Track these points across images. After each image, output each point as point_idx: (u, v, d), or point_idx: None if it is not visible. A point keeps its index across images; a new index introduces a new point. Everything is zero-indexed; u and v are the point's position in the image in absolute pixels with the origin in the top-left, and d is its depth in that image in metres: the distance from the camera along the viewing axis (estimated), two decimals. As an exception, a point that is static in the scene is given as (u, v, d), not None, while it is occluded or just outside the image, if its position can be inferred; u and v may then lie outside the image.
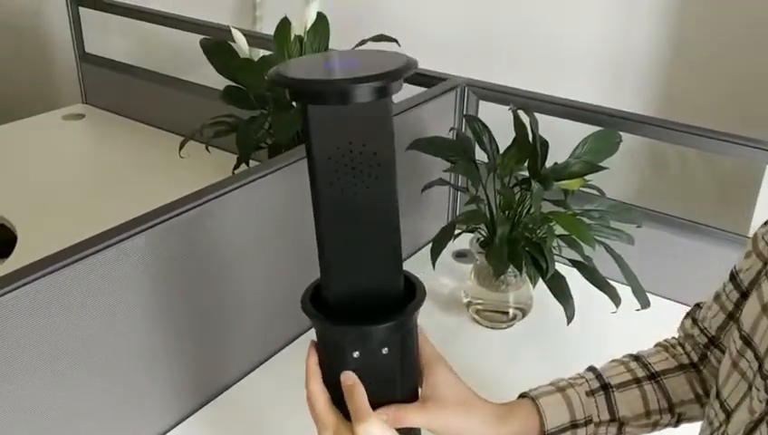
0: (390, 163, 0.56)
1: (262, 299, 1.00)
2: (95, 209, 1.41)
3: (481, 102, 1.28)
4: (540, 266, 1.00)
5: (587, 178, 1.03)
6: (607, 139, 1.07)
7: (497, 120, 1.11)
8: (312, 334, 0.64)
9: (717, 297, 0.68)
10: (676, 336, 0.76)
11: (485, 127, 1.10)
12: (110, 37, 2.00)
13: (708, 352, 0.70)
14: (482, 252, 1.07)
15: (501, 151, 1.08)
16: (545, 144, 1.03)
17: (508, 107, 1.04)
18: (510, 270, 1.05)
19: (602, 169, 1.03)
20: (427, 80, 1.27)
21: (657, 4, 1.31)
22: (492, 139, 1.09)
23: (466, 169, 1.06)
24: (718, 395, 0.60)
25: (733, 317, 0.66)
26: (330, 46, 1.31)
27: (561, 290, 0.99)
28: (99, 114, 1.88)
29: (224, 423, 0.93)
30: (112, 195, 1.48)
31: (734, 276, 0.66)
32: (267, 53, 1.42)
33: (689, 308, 0.75)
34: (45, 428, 0.77)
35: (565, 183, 1.02)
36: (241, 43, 1.33)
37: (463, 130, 1.26)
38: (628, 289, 0.98)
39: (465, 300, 1.14)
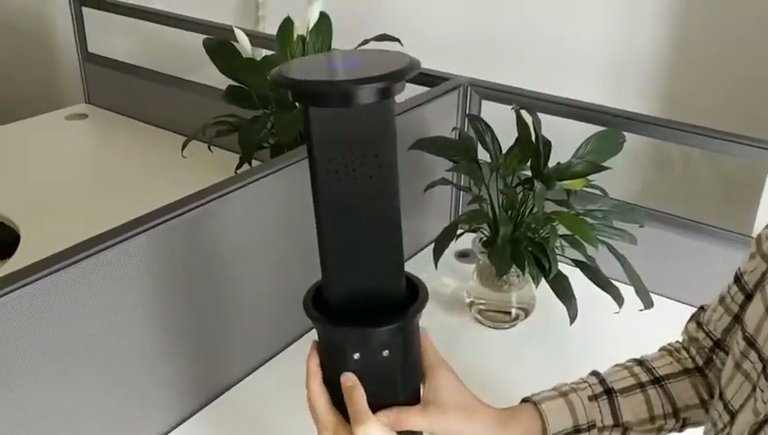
0: (392, 165, 0.56)
1: (263, 299, 1.00)
2: (98, 209, 1.41)
3: (484, 102, 1.28)
4: (543, 266, 0.99)
5: (590, 177, 1.03)
6: (610, 138, 1.07)
7: (500, 120, 1.11)
8: (313, 335, 0.64)
9: (722, 299, 0.68)
10: (680, 340, 0.75)
11: (488, 127, 1.09)
12: (113, 37, 2.00)
13: (714, 356, 0.69)
14: (484, 252, 1.07)
15: (504, 151, 1.08)
16: (548, 144, 1.02)
17: (511, 107, 1.04)
18: (513, 270, 1.05)
19: (605, 168, 1.02)
20: (429, 79, 1.27)
21: (660, 4, 1.31)
22: (494, 138, 1.09)
23: (469, 168, 1.06)
24: (721, 396, 0.59)
25: (738, 319, 0.65)
26: (332, 46, 1.31)
27: (563, 290, 0.99)
28: (102, 114, 1.89)
29: (225, 423, 0.93)
30: (115, 194, 1.48)
31: (738, 278, 0.66)
32: (270, 52, 1.42)
33: (693, 308, 0.75)
34: (46, 428, 0.77)
35: (568, 183, 1.02)
36: (244, 42, 1.33)
37: (465, 129, 1.26)
38: (632, 289, 0.98)
39: (468, 300, 1.14)
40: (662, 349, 0.75)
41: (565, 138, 1.07)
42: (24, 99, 2.34)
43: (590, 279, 0.99)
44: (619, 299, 0.97)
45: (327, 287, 0.60)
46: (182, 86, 1.71)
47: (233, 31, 1.33)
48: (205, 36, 1.36)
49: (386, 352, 0.60)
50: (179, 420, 0.93)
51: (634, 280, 0.98)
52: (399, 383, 0.63)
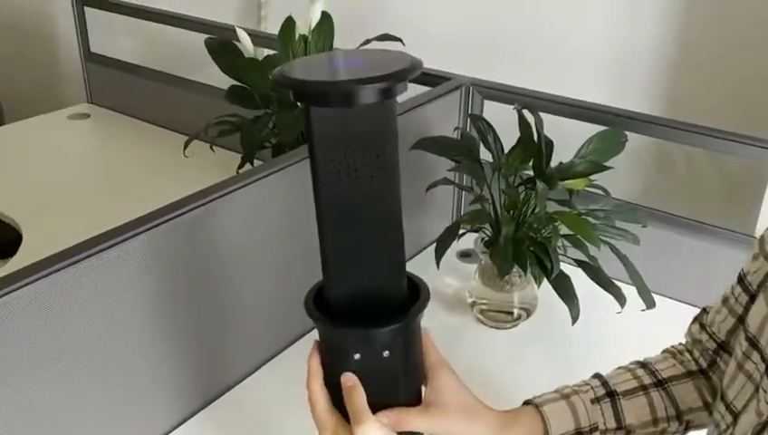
0: (394, 165, 0.56)
1: (265, 299, 1.00)
2: (100, 209, 1.41)
3: (486, 102, 1.27)
4: (545, 266, 0.99)
5: (592, 177, 1.03)
6: (612, 138, 1.07)
7: (502, 120, 1.11)
8: (315, 334, 0.64)
9: (726, 301, 0.67)
10: (683, 342, 0.75)
11: (490, 126, 1.09)
12: (116, 37, 2.00)
13: (718, 358, 0.69)
14: (486, 252, 1.07)
15: (506, 151, 1.08)
16: (550, 144, 1.02)
17: (513, 106, 1.04)
18: (514, 270, 1.05)
19: (608, 168, 1.02)
20: (431, 79, 1.26)
21: (662, 4, 1.30)
22: (496, 138, 1.09)
23: (471, 168, 1.06)
24: (723, 397, 0.59)
25: (743, 321, 0.65)
26: (334, 45, 1.31)
27: (565, 290, 0.99)
28: (104, 114, 1.89)
29: (226, 423, 0.93)
30: (117, 194, 1.48)
31: (741, 279, 0.65)
32: (272, 52, 1.42)
33: (695, 309, 0.75)
34: (46, 429, 0.77)
35: (570, 183, 1.01)
36: (246, 42, 1.33)
37: (467, 129, 1.26)
38: (634, 289, 0.98)
39: (470, 300, 1.14)
40: (665, 351, 0.75)
41: (567, 137, 1.07)
42: (27, 98, 2.35)
43: (592, 279, 0.99)
44: (621, 299, 0.97)
45: (328, 287, 0.60)
46: (184, 86, 1.71)
47: (235, 31, 1.33)
48: (207, 36, 1.36)
49: (387, 353, 0.60)
50: (180, 420, 0.93)
51: (636, 280, 0.98)
52: (400, 384, 0.63)
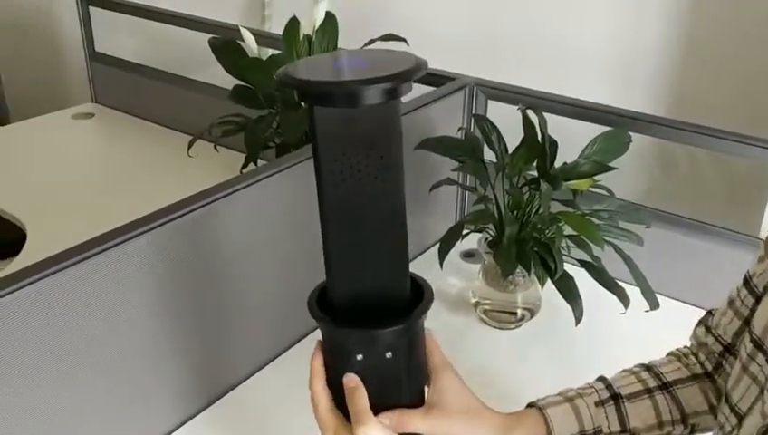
0: (398, 165, 0.56)
1: (268, 299, 1.00)
2: (104, 208, 1.42)
3: (490, 102, 1.27)
4: (548, 267, 0.99)
5: (596, 178, 1.02)
6: (616, 139, 1.07)
7: (506, 120, 1.10)
8: (318, 334, 0.64)
9: (731, 303, 0.67)
10: (689, 345, 0.75)
11: (494, 126, 1.09)
12: (120, 36, 2.00)
13: (723, 361, 0.68)
14: (490, 252, 1.07)
15: (510, 151, 1.07)
16: (554, 144, 1.02)
17: (517, 107, 1.04)
18: (518, 270, 1.05)
19: (612, 169, 1.02)
20: (435, 79, 1.26)
21: (666, 2, 1.30)
22: (500, 138, 1.09)
23: (475, 168, 1.06)
24: (728, 399, 0.59)
25: (749, 323, 0.65)
26: (338, 45, 1.31)
27: (569, 291, 0.98)
28: (108, 113, 1.89)
29: (229, 423, 0.93)
30: (121, 194, 1.48)
31: (747, 281, 0.65)
32: (276, 52, 1.42)
33: (699, 310, 0.75)
34: (48, 428, 0.77)
35: (574, 183, 1.01)
36: (250, 42, 1.33)
37: (471, 129, 1.26)
38: (637, 290, 0.98)
39: (473, 300, 1.14)
40: (670, 354, 0.75)
41: (571, 138, 1.07)
42: (31, 98, 2.35)
43: (595, 280, 0.99)
44: (624, 300, 0.97)
45: (331, 288, 0.60)
46: (188, 85, 1.71)
47: (239, 30, 1.33)
48: (211, 36, 1.36)
49: (389, 354, 0.60)
50: (184, 420, 0.93)
51: (640, 281, 0.98)
52: (403, 385, 0.62)
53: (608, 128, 1.10)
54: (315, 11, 1.28)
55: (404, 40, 1.23)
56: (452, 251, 1.03)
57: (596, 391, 0.69)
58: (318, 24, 1.28)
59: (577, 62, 1.42)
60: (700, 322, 0.73)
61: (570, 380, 0.73)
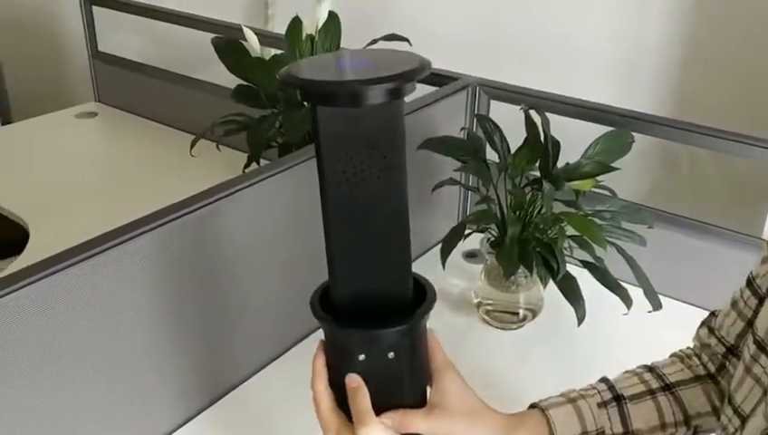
0: (401, 165, 0.56)
1: (270, 298, 1.00)
2: (107, 207, 1.42)
3: (492, 102, 1.27)
4: (551, 267, 0.99)
5: (599, 178, 1.02)
6: (619, 139, 1.07)
7: (508, 120, 1.10)
8: (320, 334, 0.64)
9: (735, 304, 0.67)
10: (692, 346, 0.75)
11: (497, 127, 1.09)
12: (123, 36, 2.00)
13: (727, 362, 0.68)
14: (492, 252, 1.07)
15: (512, 151, 1.07)
16: (557, 144, 1.02)
17: (519, 107, 1.04)
18: (520, 271, 1.05)
19: (614, 169, 1.02)
20: (438, 79, 1.26)
21: (668, 2, 1.30)
22: (503, 138, 1.08)
23: (477, 168, 1.06)
24: (731, 401, 0.59)
25: (752, 324, 0.64)
26: (341, 45, 1.31)
27: (571, 291, 0.98)
28: (111, 112, 1.89)
29: (231, 422, 0.93)
30: (124, 193, 1.48)
31: (750, 282, 0.65)
32: (279, 51, 1.42)
33: (701, 310, 0.74)
34: (49, 428, 0.77)
35: (577, 183, 1.01)
36: (252, 41, 1.33)
37: (474, 129, 1.26)
38: (640, 291, 0.98)
39: (476, 300, 1.14)
40: (673, 355, 0.75)
41: (573, 138, 1.07)
42: (34, 97, 2.35)
43: (598, 280, 0.99)
44: (627, 301, 0.97)
45: (334, 287, 0.60)
46: (191, 85, 1.71)
47: (242, 30, 1.33)
48: (214, 35, 1.36)
49: (392, 354, 0.60)
50: (185, 419, 0.93)
51: (642, 282, 0.98)
52: (405, 385, 0.62)
53: (610, 128, 1.10)
54: (318, 11, 1.28)
55: (407, 40, 1.23)
56: (454, 251, 1.03)
57: (599, 392, 0.69)
58: (321, 24, 1.28)
59: (579, 62, 1.42)
60: (703, 323, 0.73)
61: (572, 380, 0.73)
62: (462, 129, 1.25)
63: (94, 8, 1.84)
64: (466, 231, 1.05)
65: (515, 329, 1.11)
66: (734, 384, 0.59)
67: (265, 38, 1.42)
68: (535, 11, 1.45)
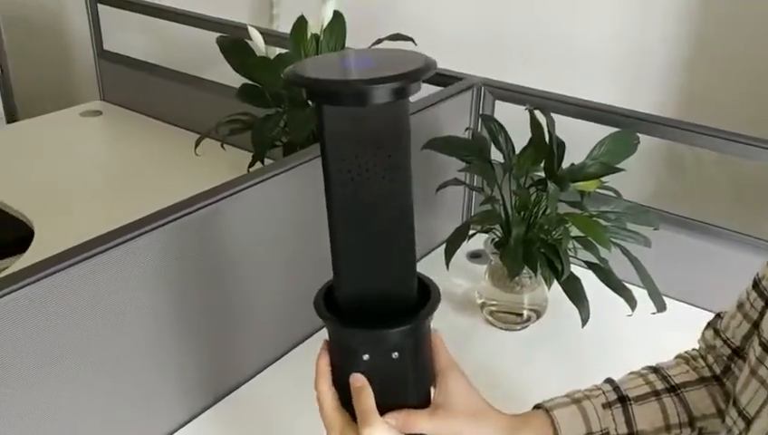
0: (406, 165, 0.56)
1: (274, 298, 1.00)
2: (111, 206, 1.42)
3: (497, 102, 1.27)
4: (555, 268, 0.99)
5: (603, 179, 1.02)
6: (624, 140, 1.06)
7: (513, 121, 1.10)
8: (324, 334, 0.64)
9: (741, 306, 0.67)
10: (697, 348, 0.74)
11: (501, 127, 1.09)
12: (128, 34, 2.01)
13: (732, 364, 0.68)
14: (496, 253, 1.07)
15: (517, 152, 1.07)
16: (562, 145, 1.02)
17: (524, 107, 1.04)
18: (525, 271, 1.05)
19: (619, 170, 1.02)
20: (443, 79, 1.26)
21: (674, 0, 1.29)
22: (508, 139, 1.08)
23: (482, 169, 1.06)
24: (735, 402, 0.59)
25: (758, 326, 0.64)
26: (346, 45, 1.31)
27: (576, 292, 0.98)
28: (116, 111, 1.90)
29: (234, 422, 0.94)
30: (128, 191, 1.48)
31: (756, 284, 0.65)
32: (284, 51, 1.42)
33: (706, 312, 0.74)
34: (50, 428, 0.77)
35: (582, 184, 1.01)
36: (257, 41, 1.33)
37: (479, 129, 1.26)
38: (644, 292, 0.97)
39: (479, 301, 1.14)
40: (678, 356, 0.74)
41: (579, 138, 1.07)
42: (40, 95, 2.36)
43: (602, 281, 0.99)
44: (631, 302, 0.96)
45: (338, 287, 0.60)
46: (196, 84, 1.71)
47: (247, 29, 1.34)
48: (219, 34, 1.36)
49: (396, 354, 0.60)
50: (188, 418, 0.93)
51: (647, 283, 0.98)
52: (409, 385, 0.62)
53: (615, 129, 1.10)
54: (323, 10, 1.28)
55: (411, 39, 1.22)
56: (458, 252, 1.02)
57: (603, 392, 0.69)
58: (326, 24, 1.28)
59: (584, 62, 1.42)
60: (709, 324, 0.73)
61: (576, 381, 0.73)
62: (466, 129, 1.25)
63: (100, 7, 1.84)
64: (471, 231, 1.04)
65: (519, 330, 1.11)
66: (739, 386, 0.59)
67: (270, 37, 1.42)
68: (540, 11, 1.45)
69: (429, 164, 1.15)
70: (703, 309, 1.12)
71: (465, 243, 1.03)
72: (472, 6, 1.52)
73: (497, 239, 1.09)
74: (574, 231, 0.98)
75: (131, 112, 1.87)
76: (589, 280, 0.99)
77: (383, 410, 0.60)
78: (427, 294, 0.62)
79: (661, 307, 0.97)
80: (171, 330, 0.86)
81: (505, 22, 1.49)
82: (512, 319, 1.11)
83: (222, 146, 1.33)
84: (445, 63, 1.17)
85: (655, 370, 0.72)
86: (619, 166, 1.02)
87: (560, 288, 0.99)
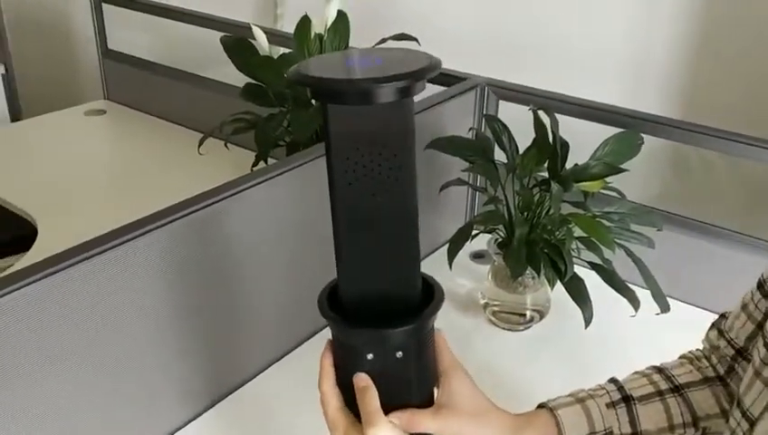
0: (410, 164, 0.56)
1: (276, 298, 1.00)
2: (114, 204, 1.42)
3: (501, 102, 1.27)
4: (558, 269, 0.99)
5: (607, 180, 1.02)
6: (628, 140, 1.06)
7: (517, 121, 1.10)
8: (325, 333, 0.64)
9: (745, 307, 0.67)
10: (701, 348, 0.74)
11: (505, 127, 1.09)
12: (133, 34, 2.01)
13: (736, 365, 0.68)
14: (499, 253, 1.07)
15: (520, 152, 1.07)
16: (565, 145, 1.02)
17: (528, 107, 1.04)
18: (528, 272, 1.05)
19: (623, 171, 1.01)
20: (447, 79, 1.26)
21: (677, 2, 1.29)
22: (511, 139, 1.08)
23: (485, 169, 1.06)
24: (739, 404, 0.58)
25: (762, 327, 0.64)
26: (350, 44, 1.31)
27: (579, 293, 0.98)
28: (120, 110, 1.90)
29: (236, 421, 0.94)
30: (132, 190, 1.49)
31: (761, 285, 0.65)
32: (287, 50, 1.42)
33: (710, 313, 0.74)
34: (51, 427, 0.76)
35: (585, 185, 1.01)
36: (261, 40, 1.33)
37: (482, 129, 1.26)
38: (648, 293, 0.97)
39: (482, 301, 1.13)
40: (682, 357, 0.74)
41: (582, 139, 1.07)
42: (44, 94, 2.36)
43: (606, 282, 0.99)
44: (635, 303, 0.96)
45: (342, 287, 0.60)
46: (200, 83, 1.71)
47: (251, 29, 1.34)
48: (223, 34, 1.36)
49: (400, 354, 0.60)
50: (191, 417, 0.93)
51: (650, 284, 0.97)
52: (413, 385, 0.62)
53: (619, 129, 1.09)
54: (327, 10, 1.28)
55: (415, 39, 1.22)
56: (461, 252, 1.02)
57: (607, 392, 0.69)
58: (330, 23, 1.28)
59: (588, 62, 1.42)
60: (713, 325, 0.72)
61: (579, 382, 0.73)
62: (470, 129, 1.25)
63: (104, 6, 1.84)
64: (474, 232, 1.04)
65: (522, 330, 1.11)
66: (743, 388, 0.58)
67: (274, 37, 1.42)
68: (543, 11, 1.44)
69: (433, 164, 1.15)
70: (706, 310, 1.12)
71: (468, 243, 1.03)
72: (476, 7, 1.52)
73: (500, 240, 1.09)
74: (578, 232, 0.98)
75: (135, 111, 1.87)
76: (592, 281, 0.99)
77: (386, 409, 0.60)
78: (430, 294, 0.62)
79: (665, 308, 0.97)
80: (173, 329, 0.86)
81: (509, 22, 1.49)
82: (515, 319, 1.11)
83: (225, 145, 1.33)
84: (449, 63, 1.17)
85: (659, 370, 0.72)
86: (622, 166, 1.02)
87: (563, 289, 0.99)
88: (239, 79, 1.30)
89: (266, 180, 0.92)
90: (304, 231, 1.00)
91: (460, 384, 0.64)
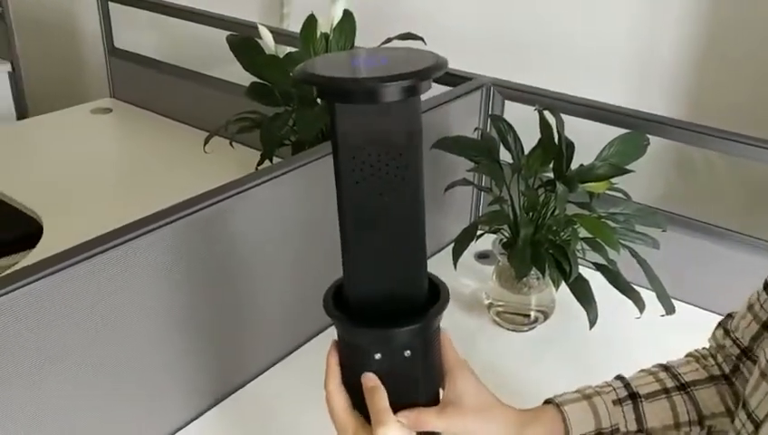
0: (417, 164, 0.56)
1: (281, 296, 1.00)
2: (120, 203, 1.43)
3: (507, 102, 1.27)
4: (563, 269, 0.99)
5: (613, 180, 1.02)
6: (634, 141, 1.06)
7: (522, 121, 1.10)
8: (329, 332, 0.64)
9: (751, 307, 0.67)
10: (707, 347, 0.74)
11: (510, 127, 1.09)
12: (139, 32, 2.02)
13: (741, 364, 0.68)
14: (504, 253, 1.07)
15: (526, 152, 1.07)
16: (571, 145, 1.02)
17: (534, 107, 1.03)
18: (532, 272, 1.04)
19: (629, 171, 1.01)
20: (452, 79, 1.26)
21: (682, 3, 1.29)
22: (517, 139, 1.08)
23: (490, 169, 1.05)
24: (745, 405, 0.58)
25: (767, 328, 0.64)
26: (355, 44, 1.31)
27: (584, 294, 0.98)
28: (126, 108, 1.90)
29: (241, 420, 0.94)
30: (137, 188, 1.49)
31: (767, 285, 0.64)
32: (293, 50, 1.42)
33: (714, 315, 0.74)
34: (53, 427, 0.77)
35: (591, 185, 1.01)
36: (267, 39, 1.33)
37: (488, 129, 1.26)
38: (653, 294, 0.97)
39: (487, 301, 1.13)
40: (688, 355, 0.74)
41: (588, 139, 1.06)
42: (50, 93, 2.37)
43: (610, 283, 0.98)
44: (640, 304, 0.96)
45: (348, 286, 0.60)
46: (205, 82, 1.72)
47: (257, 28, 1.34)
48: (229, 33, 1.36)
49: (407, 353, 0.60)
50: (195, 416, 0.93)
51: (655, 285, 0.97)
52: (420, 384, 0.62)
53: (625, 130, 1.09)
54: (333, 9, 1.28)
55: (421, 39, 1.22)
56: (466, 252, 1.02)
57: (614, 389, 0.69)
58: (335, 23, 1.28)
59: (592, 62, 1.42)
60: (719, 324, 0.73)
61: (583, 383, 0.73)
62: (476, 129, 1.25)
63: (110, 5, 1.85)
64: (479, 232, 1.04)
65: (526, 331, 1.11)
66: (748, 389, 0.58)
67: (280, 36, 1.42)
68: (547, 9, 1.44)
69: (438, 164, 1.15)
70: (711, 311, 1.12)
71: (473, 243, 1.03)
72: (480, 5, 1.52)
73: (505, 240, 1.09)
74: (583, 232, 0.98)
75: (141, 110, 1.88)
76: (597, 282, 0.99)
77: (394, 408, 0.60)
78: (436, 294, 0.62)
79: (670, 310, 0.97)
80: (177, 328, 0.87)
81: (513, 20, 1.49)
82: (519, 320, 1.10)
83: (231, 144, 1.33)
84: (453, 62, 1.17)
85: (665, 368, 0.72)
86: (628, 167, 1.02)
87: (567, 290, 0.99)
88: (245, 78, 1.30)
89: (271, 179, 0.92)
90: (310, 230, 1.00)
91: (465, 382, 0.64)
